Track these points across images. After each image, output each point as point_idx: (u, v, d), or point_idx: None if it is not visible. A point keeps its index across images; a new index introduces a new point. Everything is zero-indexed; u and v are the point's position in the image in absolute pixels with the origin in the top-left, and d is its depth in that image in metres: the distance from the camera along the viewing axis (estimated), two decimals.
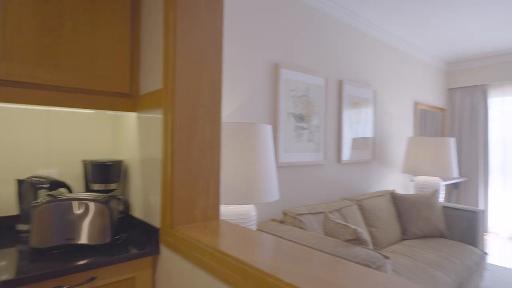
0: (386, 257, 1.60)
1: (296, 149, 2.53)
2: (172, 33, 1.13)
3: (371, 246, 1.75)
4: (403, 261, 2.18)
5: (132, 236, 1.29)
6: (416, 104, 4.07)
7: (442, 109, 4.71)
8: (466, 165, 4.60)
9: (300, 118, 2.56)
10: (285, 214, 2.17)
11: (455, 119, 4.74)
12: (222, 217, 1.58)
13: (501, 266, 3.31)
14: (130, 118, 1.48)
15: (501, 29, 3.39)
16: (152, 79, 1.30)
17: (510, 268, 3.26)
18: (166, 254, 1.16)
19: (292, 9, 2.48)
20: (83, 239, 1.14)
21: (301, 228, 2.06)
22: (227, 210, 1.60)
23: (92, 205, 1.17)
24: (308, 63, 2.62)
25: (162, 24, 1.23)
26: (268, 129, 1.66)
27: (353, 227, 1.81)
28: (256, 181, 1.55)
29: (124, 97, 1.38)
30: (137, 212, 1.40)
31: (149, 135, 1.31)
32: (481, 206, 4.42)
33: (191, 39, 1.18)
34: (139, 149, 1.39)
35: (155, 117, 1.26)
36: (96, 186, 1.43)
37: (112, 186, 1.45)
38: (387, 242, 2.60)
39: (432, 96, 4.47)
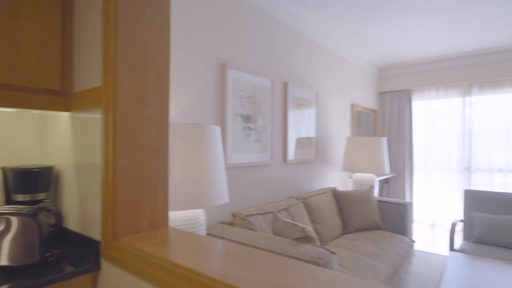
0: (333, 253, 1.67)
1: (244, 150, 2.52)
2: (113, 25, 1.03)
3: (317, 243, 1.81)
4: (346, 255, 2.31)
5: (66, 252, 1.15)
6: (353, 106, 4.37)
7: (374, 111, 5.12)
8: (394, 162, 5.08)
9: (247, 118, 2.56)
10: (234, 215, 2.15)
11: (385, 120, 5.21)
12: (170, 224, 1.49)
13: (425, 252, 3.72)
14: (62, 118, 1.32)
15: (423, 41, 3.81)
16: (89, 75, 1.17)
17: (432, 253, 3.68)
18: (108, 270, 1.05)
19: (238, 8, 2.47)
20: (3, 260, 0.97)
21: (250, 229, 2.05)
22: (175, 216, 1.51)
23: (14, 219, 1.01)
24: (255, 64, 2.64)
25: (101, 14, 1.11)
26: (216, 130, 1.61)
27: (302, 225, 1.86)
28: (205, 184, 1.50)
29: (54, 94, 1.22)
30: (72, 224, 1.25)
31: (86, 138, 1.18)
32: (407, 199, 4.92)
33: (134, 34, 1.08)
34: (74, 153, 1.24)
35: (93, 117, 1.13)
36: (20, 197, 1.24)
37: (40, 196, 1.27)
38: (331, 237, 2.74)
39: (366, 99, 4.84)
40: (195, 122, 2.12)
